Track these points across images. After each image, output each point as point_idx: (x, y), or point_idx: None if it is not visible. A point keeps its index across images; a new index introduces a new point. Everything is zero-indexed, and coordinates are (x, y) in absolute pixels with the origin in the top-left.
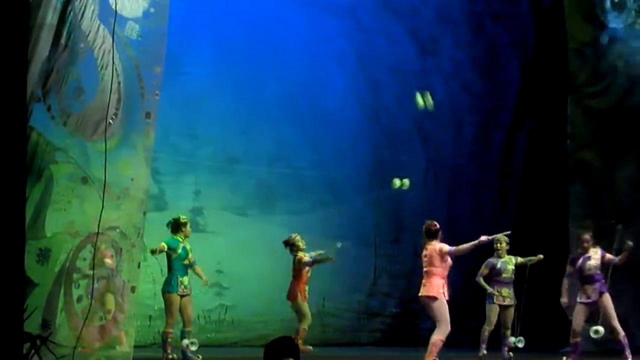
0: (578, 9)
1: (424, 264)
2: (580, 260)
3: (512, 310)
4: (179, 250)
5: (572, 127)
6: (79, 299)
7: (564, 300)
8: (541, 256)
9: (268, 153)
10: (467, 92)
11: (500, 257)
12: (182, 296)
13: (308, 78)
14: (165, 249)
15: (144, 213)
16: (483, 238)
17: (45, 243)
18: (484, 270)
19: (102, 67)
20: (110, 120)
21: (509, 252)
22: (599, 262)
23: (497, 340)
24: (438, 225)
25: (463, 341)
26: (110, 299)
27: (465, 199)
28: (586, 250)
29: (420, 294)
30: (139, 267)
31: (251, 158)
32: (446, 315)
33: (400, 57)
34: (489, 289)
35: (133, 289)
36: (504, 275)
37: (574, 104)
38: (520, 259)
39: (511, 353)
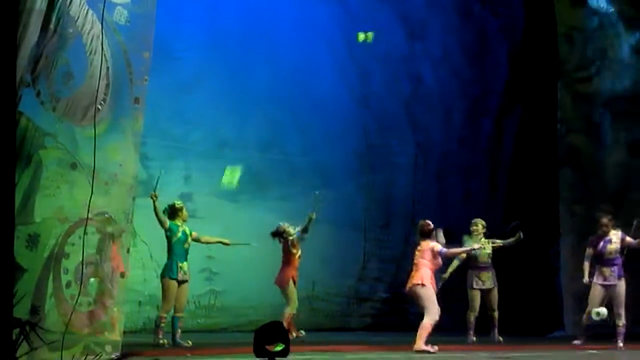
0: None
1: (416, 258)
2: (602, 243)
3: (495, 292)
4: (179, 234)
5: (562, 112)
6: (68, 285)
7: (586, 279)
8: (520, 235)
9: (258, 138)
10: (457, 77)
11: (479, 240)
12: (180, 282)
13: (298, 63)
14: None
15: (133, 198)
16: (476, 246)
17: (34, 228)
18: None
19: (90, 52)
20: (99, 106)
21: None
22: (619, 245)
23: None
24: (432, 225)
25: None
26: (98, 285)
27: (455, 185)
28: (606, 234)
29: (408, 286)
30: (128, 252)
31: (241, 143)
32: (434, 300)
33: (389, 43)
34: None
35: (123, 275)
36: (480, 259)
37: (564, 89)
38: (497, 242)
39: (500, 337)
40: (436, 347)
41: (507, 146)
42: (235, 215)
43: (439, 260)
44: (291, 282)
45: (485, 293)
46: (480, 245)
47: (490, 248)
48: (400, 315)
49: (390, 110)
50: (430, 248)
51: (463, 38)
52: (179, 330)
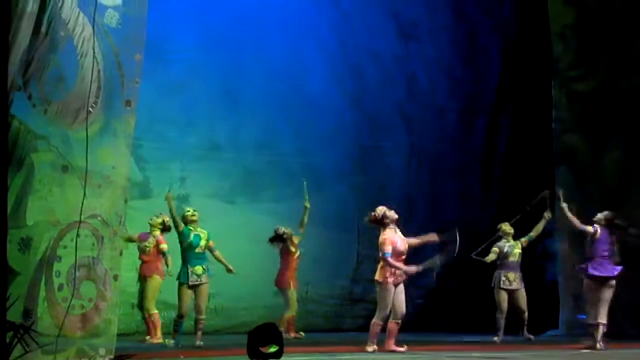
0: None
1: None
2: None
3: (523, 293)
4: (190, 238)
5: (556, 111)
6: (60, 288)
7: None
8: (547, 216)
9: (253, 140)
10: (449, 77)
11: (507, 241)
12: (193, 286)
13: (291, 64)
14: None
15: (126, 201)
16: (434, 237)
17: (26, 232)
18: (492, 255)
19: (82, 55)
20: (91, 109)
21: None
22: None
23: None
24: (378, 212)
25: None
26: (91, 287)
27: (449, 184)
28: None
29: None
30: (121, 255)
31: (235, 145)
32: (386, 301)
33: (382, 43)
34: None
35: (115, 277)
36: (510, 259)
37: (558, 88)
38: (524, 239)
39: (531, 336)
40: (405, 347)
41: (500, 146)
42: (230, 217)
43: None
44: (292, 283)
45: (512, 293)
46: (440, 237)
47: (520, 247)
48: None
49: (383, 111)
50: (379, 245)
51: (455, 37)
52: (199, 332)
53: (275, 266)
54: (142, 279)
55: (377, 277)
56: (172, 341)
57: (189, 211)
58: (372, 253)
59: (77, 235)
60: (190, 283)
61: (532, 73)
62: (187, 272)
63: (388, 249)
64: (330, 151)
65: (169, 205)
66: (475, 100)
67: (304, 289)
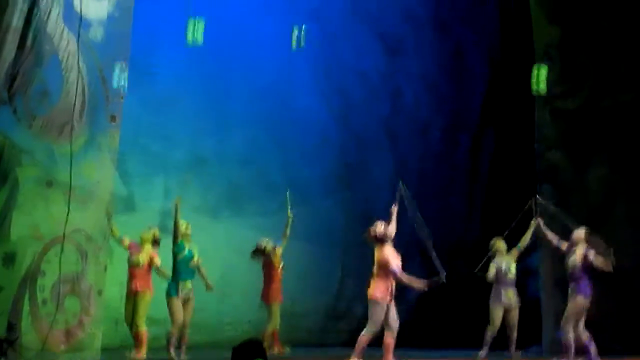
0: (544, 10)
1: (374, 265)
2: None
3: (517, 311)
4: (185, 252)
5: (539, 129)
6: (44, 302)
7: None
8: (538, 221)
9: (238, 155)
10: (434, 94)
11: (503, 257)
12: (183, 300)
13: (276, 80)
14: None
15: (110, 215)
16: (421, 285)
17: (10, 247)
18: (491, 271)
19: (66, 70)
20: (75, 123)
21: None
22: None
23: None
24: (380, 229)
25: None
26: (75, 302)
27: (433, 201)
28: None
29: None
30: (105, 270)
31: (221, 160)
32: (378, 318)
33: (367, 60)
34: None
35: (100, 292)
36: (509, 276)
37: (541, 106)
38: (514, 252)
39: (519, 352)
40: None
41: (484, 162)
42: (215, 231)
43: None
44: (277, 298)
45: (508, 310)
46: (427, 284)
47: (515, 263)
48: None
49: (368, 127)
50: (385, 262)
51: (440, 55)
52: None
53: (259, 281)
54: (132, 294)
55: (371, 293)
56: (185, 356)
57: (183, 225)
58: (357, 269)
59: (61, 250)
60: (180, 297)
61: (517, 90)
62: (178, 286)
63: (397, 264)
64: (315, 166)
65: (176, 211)
66: (460, 117)
67: (288, 304)
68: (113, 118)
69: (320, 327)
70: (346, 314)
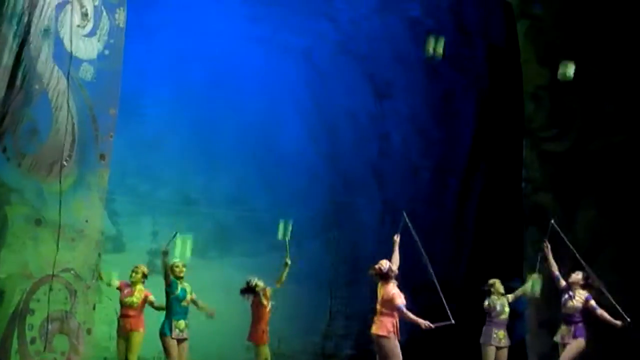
0: (534, 52)
1: (378, 303)
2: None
3: (506, 351)
4: (177, 291)
5: (527, 171)
6: (33, 341)
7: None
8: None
9: (226, 195)
10: (423, 136)
11: (497, 298)
12: (177, 340)
13: (265, 120)
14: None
15: (99, 254)
16: (426, 325)
17: None
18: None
19: (56, 108)
20: (65, 162)
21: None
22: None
23: None
24: (386, 267)
25: None
26: (64, 341)
27: (421, 242)
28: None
29: (372, 332)
30: (94, 308)
31: (209, 199)
32: (397, 352)
33: (356, 101)
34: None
35: (89, 331)
36: (501, 317)
37: (529, 147)
38: (510, 296)
39: None
40: None
41: (472, 205)
42: (202, 272)
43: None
44: (264, 337)
45: (497, 350)
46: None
47: (509, 305)
48: None
49: (357, 168)
50: (391, 297)
51: (430, 96)
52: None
53: (247, 321)
54: (126, 333)
55: (380, 331)
56: None
57: (177, 266)
58: (345, 309)
59: (50, 289)
60: (173, 336)
61: (506, 132)
62: (171, 325)
63: (402, 301)
64: (303, 207)
65: (165, 260)
66: (448, 159)
67: (275, 345)
68: (102, 157)
69: None
70: (335, 354)
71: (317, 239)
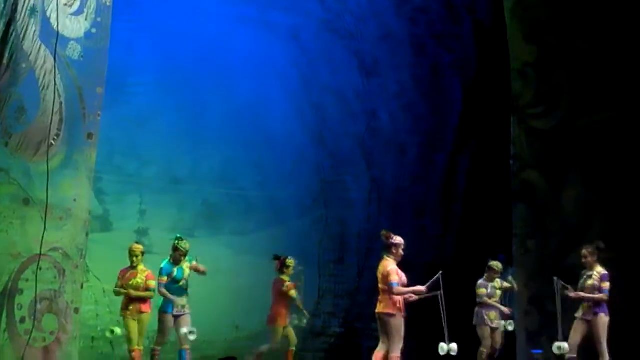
0: (520, 29)
1: (379, 282)
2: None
3: (500, 332)
4: (174, 274)
5: (515, 148)
6: (22, 320)
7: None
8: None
9: (213, 173)
10: (410, 113)
11: (491, 281)
12: (177, 316)
13: (252, 99)
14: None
15: (87, 234)
16: (422, 289)
17: None
18: (481, 290)
19: (43, 87)
20: (52, 141)
21: None
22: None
23: None
24: (395, 239)
25: None
26: (53, 320)
27: (408, 220)
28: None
29: (376, 311)
30: (82, 288)
31: (196, 178)
32: (402, 332)
33: (343, 79)
34: (498, 307)
35: (77, 310)
36: (493, 299)
37: (517, 124)
38: (505, 284)
39: None
40: None
41: (460, 182)
42: (190, 250)
43: (403, 279)
44: (280, 320)
45: (491, 331)
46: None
47: (502, 289)
48: (354, 350)
49: (345, 146)
50: (386, 275)
51: (416, 74)
52: (184, 333)
53: (235, 299)
54: (137, 315)
55: (384, 309)
56: None
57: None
58: (333, 287)
59: (39, 268)
60: (174, 313)
61: (494, 109)
62: (173, 303)
63: (395, 279)
64: (291, 185)
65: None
66: (436, 136)
67: (264, 323)
68: (90, 136)
69: (297, 345)
70: (323, 332)
71: (305, 217)
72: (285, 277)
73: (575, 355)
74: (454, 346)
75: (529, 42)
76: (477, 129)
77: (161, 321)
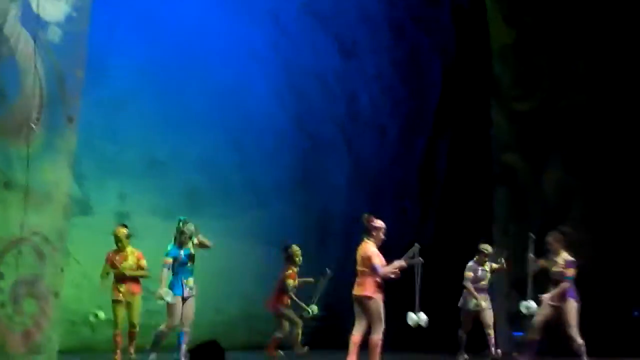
0: (500, 11)
1: (358, 264)
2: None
3: (490, 312)
4: (181, 257)
5: (495, 130)
6: (3, 305)
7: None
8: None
9: (194, 157)
10: (390, 96)
11: (481, 264)
12: (186, 298)
13: (233, 82)
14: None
15: (68, 218)
16: (402, 264)
17: None
18: (468, 273)
19: (24, 71)
20: (33, 125)
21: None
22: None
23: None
24: (376, 222)
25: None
26: (33, 304)
27: (388, 203)
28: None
29: (354, 293)
30: (62, 271)
31: (177, 162)
32: (383, 314)
33: (323, 61)
34: (475, 295)
35: (57, 295)
36: (482, 283)
37: (497, 107)
38: (494, 265)
39: (499, 350)
40: None
41: (440, 165)
42: (171, 234)
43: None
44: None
45: (480, 313)
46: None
47: (491, 271)
48: (337, 332)
49: (325, 129)
50: (368, 257)
51: (396, 56)
52: (184, 346)
53: (216, 283)
54: (129, 298)
55: (365, 292)
56: (153, 355)
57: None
58: (314, 270)
59: (19, 252)
60: (185, 295)
61: (474, 92)
62: (182, 285)
63: (378, 261)
64: (272, 169)
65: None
66: (416, 119)
67: (246, 307)
68: (70, 119)
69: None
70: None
71: (285, 201)
72: (293, 268)
73: (536, 337)
74: (423, 316)
75: (509, 24)
76: (457, 112)
77: (170, 304)
